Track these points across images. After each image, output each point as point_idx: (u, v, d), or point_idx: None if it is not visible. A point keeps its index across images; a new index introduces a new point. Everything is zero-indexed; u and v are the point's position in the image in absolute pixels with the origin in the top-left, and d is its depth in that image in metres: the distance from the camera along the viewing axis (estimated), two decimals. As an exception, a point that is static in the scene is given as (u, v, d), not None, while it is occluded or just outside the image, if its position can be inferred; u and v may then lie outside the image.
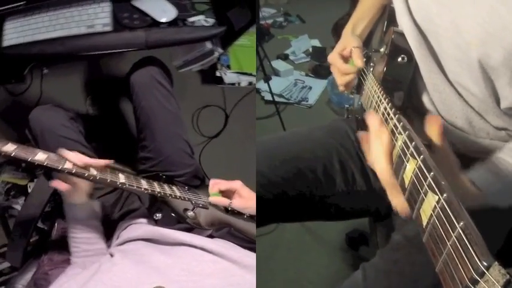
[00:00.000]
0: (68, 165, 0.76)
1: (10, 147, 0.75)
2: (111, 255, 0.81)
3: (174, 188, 0.96)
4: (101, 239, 0.90)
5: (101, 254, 0.87)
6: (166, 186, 0.94)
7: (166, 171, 1.03)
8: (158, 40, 0.98)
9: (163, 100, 1.05)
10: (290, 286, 1.41)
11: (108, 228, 0.95)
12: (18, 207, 1.58)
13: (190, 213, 0.86)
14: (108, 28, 1.00)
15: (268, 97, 2.18)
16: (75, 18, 1.01)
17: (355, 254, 1.49)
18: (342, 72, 0.84)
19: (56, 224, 1.07)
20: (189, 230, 0.84)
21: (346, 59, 0.85)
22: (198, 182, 1.08)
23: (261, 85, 2.29)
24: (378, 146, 0.54)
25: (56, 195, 1.09)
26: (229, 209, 0.90)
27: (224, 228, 0.88)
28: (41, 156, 0.76)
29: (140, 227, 0.89)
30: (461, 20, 0.62)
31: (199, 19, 1.04)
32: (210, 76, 1.61)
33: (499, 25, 0.57)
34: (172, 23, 1.01)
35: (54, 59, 1.55)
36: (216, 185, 0.87)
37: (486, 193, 0.54)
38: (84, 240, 0.86)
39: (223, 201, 0.87)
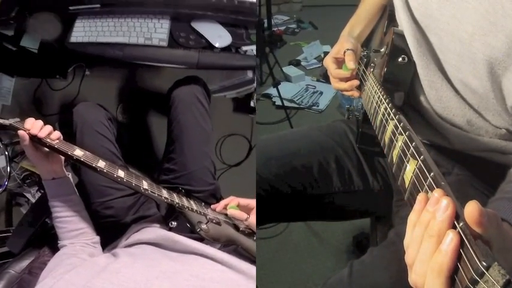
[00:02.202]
0: (101, 164, 0.84)
1: (54, 139, 0.85)
2: (114, 255, 0.84)
3: (191, 201, 1.02)
4: (85, 217, 0.93)
5: (88, 234, 0.91)
6: (184, 199, 1.00)
7: (187, 185, 1.09)
8: (209, 63, 1.08)
9: (200, 118, 1.13)
10: None
11: (115, 229, 0.99)
12: (29, 196, 1.62)
13: (203, 226, 0.92)
14: (164, 43, 1.11)
15: (279, 102, 2.26)
16: (137, 29, 1.13)
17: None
18: (335, 76, 0.86)
19: None
20: (200, 240, 0.89)
21: (341, 63, 0.87)
22: (214, 201, 1.13)
23: (272, 90, 2.40)
24: (431, 253, 0.36)
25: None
26: (241, 228, 0.95)
27: (232, 245, 0.93)
28: (78, 152, 0.85)
29: (153, 230, 0.93)
30: (463, 12, 0.62)
31: (252, 49, 1.13)
32: (243, 105, 1.70)
33: (501, 14, 0.57)
34: (225, 49, 1.10)
35: (98, 63, 1.65)
36: (235, 199, 0.93)
37: None
38: (67, 218, 0.89)
39: (240, 214, 0.92)
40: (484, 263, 0.31)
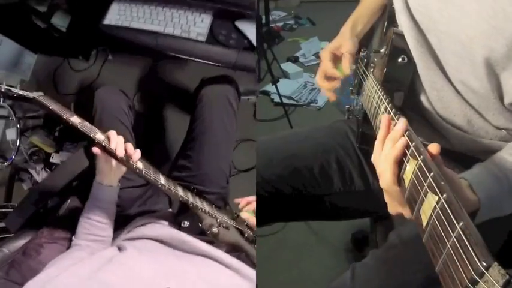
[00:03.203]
0: (120, 153, 0.84)
1: (76, 120, 0.85)
2: (120, 248, 0.85)
3: (204, 203, 1.04)
4: (111, 227, 0.95)
5: (106, 243, 0.93)
6: (198, 199, 1.02)
7: (200, 185, 1.10)
8: (247, 64, 1.05)
9: (227, 120, 1.15)
10: (294, 286, 1.45)
11: (117, 220, 0.99)
12: (33, 172, 1.62)
13: (214, 229, 0.94)
14: (202, 38, 1.11)
15: (277, 99, 2.31)
16: (175, 20, 1.13)
17: (360, 254, 1.52)
18: (326, 73, 0.89)
19: (68, 201, 1.11)
20: (210, 242, 0.91)
21: (336, 59, 0.89)
22: (221, 204, 1.15)
23: (270, 87, 2.44)
24: (389, 150, 0.55)
25: (81, 174, 1.13)
26: (246, 235, 0.98)
27: (236, 252, 0.95)
28: (100, 136, 0.84)
29: (162, 228, 0.95)
30: (464, 14, 0.65)
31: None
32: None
33: (502, 18, 0.60)
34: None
35: (122, 48, 1.64)
36: (252, 203, 0.95)
37: (484, 198, 0.56)
38: (97, 223, 0.91)
39: (252, 220, 0.95)
40: (484, 263, 0.33)
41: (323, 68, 0.91)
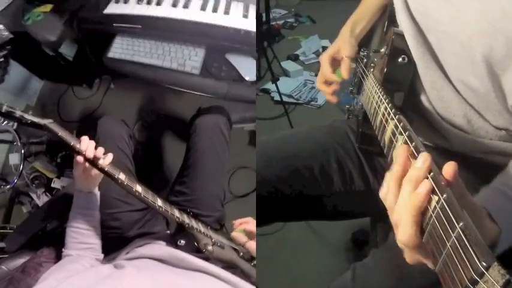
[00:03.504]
0: (122, 177, 0.88)
1: (84, 146, 0.88)
2: (117, 267, 0.86)
3: (199, 224, 1.06)
4: (98, 234, 0.96)
5: (95, 250, 0.94)
6: (193, 221, 1.04)
7: (195, 209, 1.12)
8: (237, 95, 1.12)
9: (219, 148, 1.18)
10: (294, 285, 1.43)
11: (118, 242, 1.01)
12: (34, 196, 1.65)
13: (209, 248, 0.95)
14: (196, 71, 1.18)
15: (277, 97, 2.27)
16: (172, 54, 1.20)
17: (360, 254, 1.49)
18: (323, 75, 0.89)
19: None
20: (206, 259, 0.91)
21: (335, 63, 0.89)
22: (218, 227, 1.17)
23: (271, 85, 2.41)
24: (410, 196, 0.44)
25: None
26: (241, 254, 0.99)
27: (232, 269, 0.95)
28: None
29: (159, 247, 0.96)
30: (463, 13, 0.64)
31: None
32: (259, 138, 1.72)
33: (501, 16, 0.59)
34: (254, 82, 1.15)
35: (125, 78, 1.71)
36: (244, 224, 0.96)
37: (503, 223, 0.50)
38: (82, 231, 0.93)
39: (240, 238, 0.96)
40: (484, 263, 0.32)
41: (322, 71, 0.90)
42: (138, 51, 1.21)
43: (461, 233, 0.36)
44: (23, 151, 1.47)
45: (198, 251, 0.95)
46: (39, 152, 1.64)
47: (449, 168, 0.43)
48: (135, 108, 1.81)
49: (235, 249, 1.02)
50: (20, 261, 1.00)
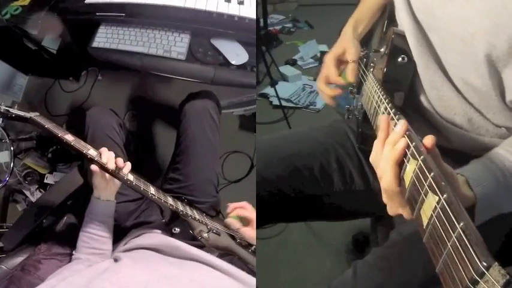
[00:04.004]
0: (111, 166, 0.88)
1: (70, 138, 0.89)
2: (116, 260, 0.86)
3: (194, 211, 1.06)
4: (111, 240, 0.97)
5: (106, 256, 0.93)
6: (188, 208, 1.04)
7: (190, 196, 1.12)
8: (224, 79, 1.12)
9: (209, 132, 1.18)
10: (295, 287, 1.44)
11: (114, 233, 1.00)
12: (28, 193, 1.64)
13: (205, 235, 0.95)
14: (182, 57, 1.16)
15: (276, 102, 2.29)
16: (157, 40, 1.18)
17: (361, 256, 1.50)
18: (327, 76, 0.88)
19: (65, 218, 1.13)
20: (201, 247, 0.92)
21: (340, 65, 0.88)
22: (213, 213, 1.17)
23: (269, 90, 2.43)
24: (390, 152, 0.54)
25: (75, 192, 1.16)
26: (238, 240, 0.99)
27: (229, 255, 0.96)
28: (93, 152, 0.88)
29: (155, 236, 0.96)
30: (465, 11, 0.64)
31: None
32: (248, 123, 1.73)
33: (504, 14, 0.59)
34: (240, 66, 1.16)
35: (112, 68, 1.70)
36: (237, 209, 0.96)
37: (480, 194, 0.55)
38: (96, 237, 0.93)
39: (234, 223, 0.97)
40: (485, 263, 0.32)
41: (326, 73, 0.88)
42: (123, 40, 1.18)
43: (461, 233, 0.36)
44: (12, 148, 1.46)
45: (193, 239, 0.95)
46: (30, 148, 1.62)
47: (428, 139, 0.51)
48: (124, 98, 1.78)
49: (232, 236, 1.02)
50: (18, 259, 1.00)
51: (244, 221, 0.98)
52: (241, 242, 1.01)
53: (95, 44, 1.18)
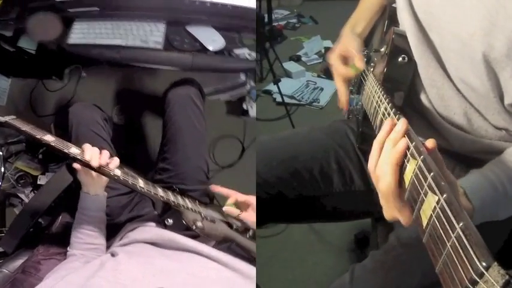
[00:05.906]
0: (95, 163, 0.84)
1: (50, 138, 0.85)
2: (113, 254, 0.85)
3: (186, 200, 1.04)
4: (104, 235, 0.95)
5: (100, 251, 0.92)
6: (179, 197, 1.02)
7: (181, 184, 1.11)
8: (203, 65, 1.12)
9: (194, 119, 1.16)
10: (296, 286, 1.45)
11: (110, 229, 1.01)
12: (23, 196, 1.64)
13: (199, 224, 0.94)
14: (159, 46, 1.15)
15: (279, 99, 2.25)
16: (134, 32, 1.16)
17: (362, 255, 1.50)
18: (341, 75, 0.87)
19: (60, 217, 1.14)
20: (195, 237, 0.91)
21: (346, 60, 0.87)
22: (207, 200, 1.15)
23: (272, 86, 2.39)
24: (390, 151, 0.52)
25: (68, 190, 1.16)
26: (234, 226, 0.98)
27: (226, 243, 0.95)
28: (74, 150, 0.85)
29: (150, 229, 0.95)
30: (465, 12, 0.63)
31: (244, 52, 1.17)
32: (236, 107, 1.73)
33: (502, 15, 0.58)
34: (218, 52, 1.15)
35: (94, 64, 1.70)
36: (233, 195, 0.94)
37: (478, 207, 0.55)
38: (88, 232, 0.92)
39: (233, 211, 0.95)
40: (484, 263, 0.32)
41: (337, 70, 0.87)
42: (100, 34, 1.16)
43: (461, 233, 0.35)
44: (2, 153, 1.46)
45: (188, 229, 0.93)
46: (20, 151, 1.59)
47: (430, 142, 0.49)
48: (111, 93, 1.74)
49: (228, 223, 1.01)
50: (19, 261, 1.00)
51: (243, 206, 0.96)
52: (238, 228, 1.00)
53: (71, 41, 1.15)
